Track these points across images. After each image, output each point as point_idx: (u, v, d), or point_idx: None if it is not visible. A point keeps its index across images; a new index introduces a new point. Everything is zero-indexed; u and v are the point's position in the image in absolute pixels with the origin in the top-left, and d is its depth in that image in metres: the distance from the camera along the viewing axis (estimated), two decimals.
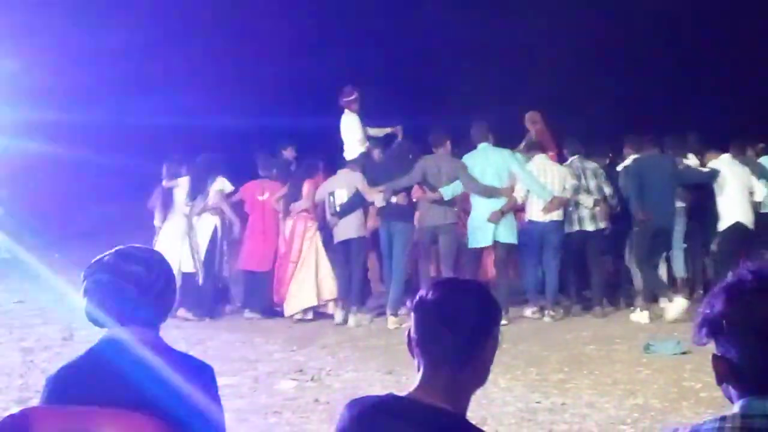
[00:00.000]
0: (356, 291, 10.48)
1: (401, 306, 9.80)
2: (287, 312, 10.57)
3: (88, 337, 2.89)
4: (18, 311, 11.09)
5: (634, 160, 10.81)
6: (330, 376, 7.80)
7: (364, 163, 10.91)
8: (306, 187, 10.75)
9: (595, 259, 10.68)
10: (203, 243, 10.80)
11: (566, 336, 9.36)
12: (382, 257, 10.78)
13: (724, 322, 1.98)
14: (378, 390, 6.39)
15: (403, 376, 7.25)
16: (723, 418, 1.98)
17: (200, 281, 10.72)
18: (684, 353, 8.07)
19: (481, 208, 10.10)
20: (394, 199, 10.22)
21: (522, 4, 20.55)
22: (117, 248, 2.88)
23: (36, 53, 16.40)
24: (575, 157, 10.81)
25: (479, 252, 10.38)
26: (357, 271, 10.53)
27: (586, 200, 10.47)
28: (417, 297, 2.38)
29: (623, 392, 7.09)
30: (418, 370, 2.34)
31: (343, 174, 10.68)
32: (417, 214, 10.41)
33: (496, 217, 9.99)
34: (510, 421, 6.36)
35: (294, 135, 12.23)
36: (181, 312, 10.37)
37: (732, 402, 2.02)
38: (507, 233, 10.13)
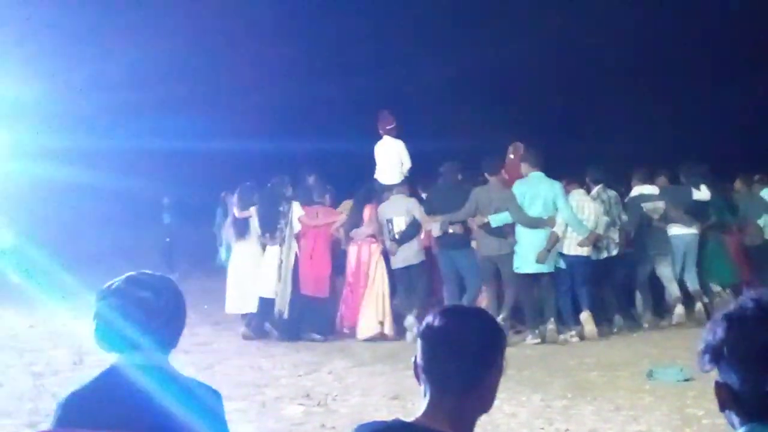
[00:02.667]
0: (420, 309, 10.55)
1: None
2: (360, 336, 10.65)
3: (98, 361, 2.90)
4: (29, 335, 11.10)
5: None
6: (336, 401, 7.78)
7: (415, 188, 11.31)
8: (368, 212, 10.83)
9: (615, 282, 11.21)
10: (289, 270, 10.79)
11: (570, 362, 9.33)
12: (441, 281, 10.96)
13: (725, 349, 1.99)
14: (384, 415, 6.36)
15: (409, 402, 7.23)
16: None
17: (281, 306, 10.70)
18: (687, 380, 8.04)
19: (526, 237, 10.26)
20: (450, 230, 10.41)
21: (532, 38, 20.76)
22: (127, 274, 2.89)
23: (52, 80, 16.53)
24: (599, 186, 11.02)
25: (526, 277, 10.46)
26: (421, 291, 10.76)
27: (614, 234, 10.88)
28: (424, 324, 2.39)
29: (626, 419, 7.06)
30: (425, 395, 2.34)
31: (398, 200, 10.82)
32: (474, 243, 10.57)
33: (544, 257, 10.21)
34: None
35: (314, 158, 12.37)
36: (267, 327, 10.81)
37: (734, 429, 2.02)
38: (549, 264, 10.34)
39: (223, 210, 17.80)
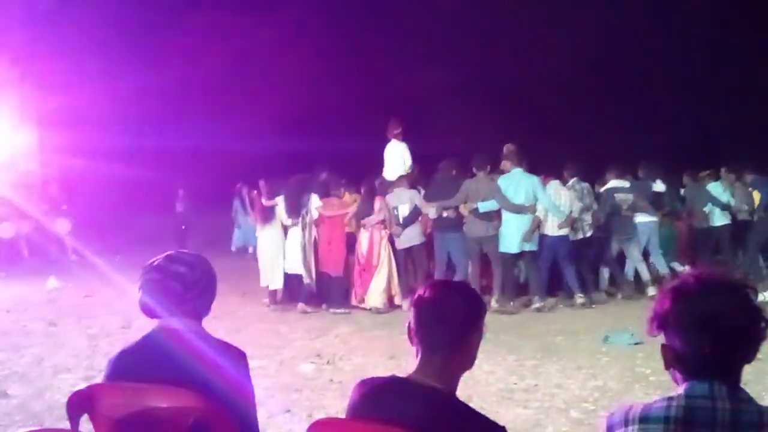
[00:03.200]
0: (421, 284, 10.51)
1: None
2: (368, 305, 10.63)
3: (143, 326, 2.90)
4: (85, 304, 11.10)
5: None
6: (342, 360, 7.78)
7: (415, 180, 11.31)
8: (378, 202, 10.81)
9: (586, 260, 11.23)
10: (311, 250, 10.77)
11: (539, 328, 9.32)
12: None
13: (670, 317, 1.99)
14: (382, 372, 6.34)
15: (403, 361, 7.23)
16: (670, 398, 1.98)
17: (309, 280, 10.69)
18: (637, 344, 8.03)
19: (511, 221, 10.31)
20: (444, 214, 10.46)
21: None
22: (167, 253, 2.90)
23: (103, 88, 16.54)
24: (574, 179, 11.11)
25: (511, 256, 10.47)
26: (421, 270, 10.78)
27: (587, 217, 10.96)
28: (416, 295, 2.39)
29: (586, 376, 7.06)
30: (417, 355, 2.34)
31: (401, 191, 10.81)
32: (464, 227, 10.54)
33: (529, 237, 10.29)
34: (492, 399, 6.34)
35: (316, 157, 12.35)
36: (301, 306, 10.61)
37: (677, 384, 2.02)
38: (531, 243, 10.38)
39: (239, 200, 17.73)
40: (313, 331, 9.27)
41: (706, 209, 12.25)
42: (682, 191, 12.81)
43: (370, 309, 10.57)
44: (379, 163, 11.86)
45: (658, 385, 6.50)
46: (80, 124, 15.36)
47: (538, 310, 10.30)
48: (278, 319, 10.19)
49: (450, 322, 2.31)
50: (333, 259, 10.85)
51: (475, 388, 6.51)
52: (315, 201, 10.83)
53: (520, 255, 10.54)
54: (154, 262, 2.85)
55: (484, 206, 10.28)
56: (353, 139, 12.33)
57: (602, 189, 11.48)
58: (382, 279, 10.76)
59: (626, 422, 2.01)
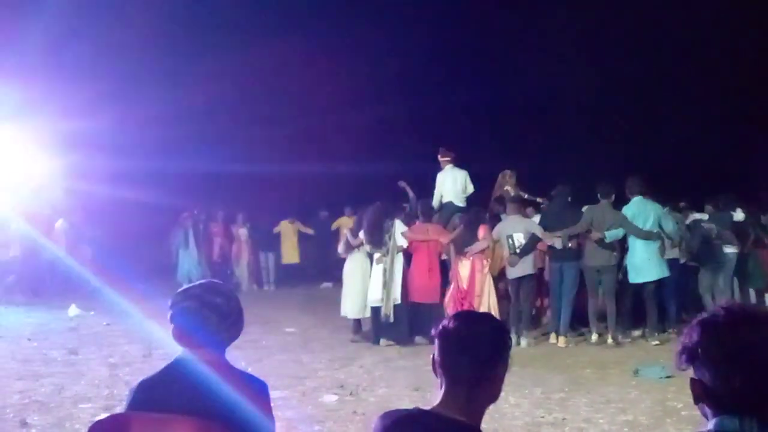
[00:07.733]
0: (527, 317, 10.55)
1: (569, 329, 10.41)
2: None
3: (165, 355, 2.93)
4: (106, 332, 11.18)
5: None
6: (366, 391, 7.77)
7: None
8: (482, 230, 10.63)
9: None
10: (398, 279, 10.58)
11: (567, 360, 9.27)
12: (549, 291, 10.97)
13: (699, 350, 1.98)
14: (406, 404, 6.35)
15: (427, 393, 7.20)
16: None
17: (387, 312, 10.41)
18: (668, 377, 7.97)
19: (640, 248, 10.29)
20: (570, 244, 10.37)
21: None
22: (200, 282, 2.94)
23: (122, 114, 16.70)
24: (666, 208, 11.14)
25: (640, 286, 10.42)
26: (529, 301, 10.70)
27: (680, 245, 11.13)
28: (440, 326, 2.40)
29: (615, 410, 7.00)
30: (441, 387, 2.34)
31: (515, 219, 10.66)
32: (584, 256, 10.49)
33: (662, 253, 10.35)
34: None
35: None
36: (383, 342, 10.42)
37: (707, 419, 2.01)
38: (665, 270, 10.38)
39: (184, 232, 16.58)
40: (336, 361, 9.27)
41: None
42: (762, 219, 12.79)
43: None
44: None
45: (690, 420, 6.42)
46: (104, 150, 15.51)
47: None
48: (301, 348, 10.19)
49: (475, 354, 2.31)
50: (433, 286, 10.71)
51: (501, 422, 6.48)
52: (399, 226, 10.68)
53: (646, 284, 10.40)
54: (188, 290, 2.89)
55: (611, 235, 10.23)
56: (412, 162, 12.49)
57: (688, 222, 11.64)
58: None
59: None
